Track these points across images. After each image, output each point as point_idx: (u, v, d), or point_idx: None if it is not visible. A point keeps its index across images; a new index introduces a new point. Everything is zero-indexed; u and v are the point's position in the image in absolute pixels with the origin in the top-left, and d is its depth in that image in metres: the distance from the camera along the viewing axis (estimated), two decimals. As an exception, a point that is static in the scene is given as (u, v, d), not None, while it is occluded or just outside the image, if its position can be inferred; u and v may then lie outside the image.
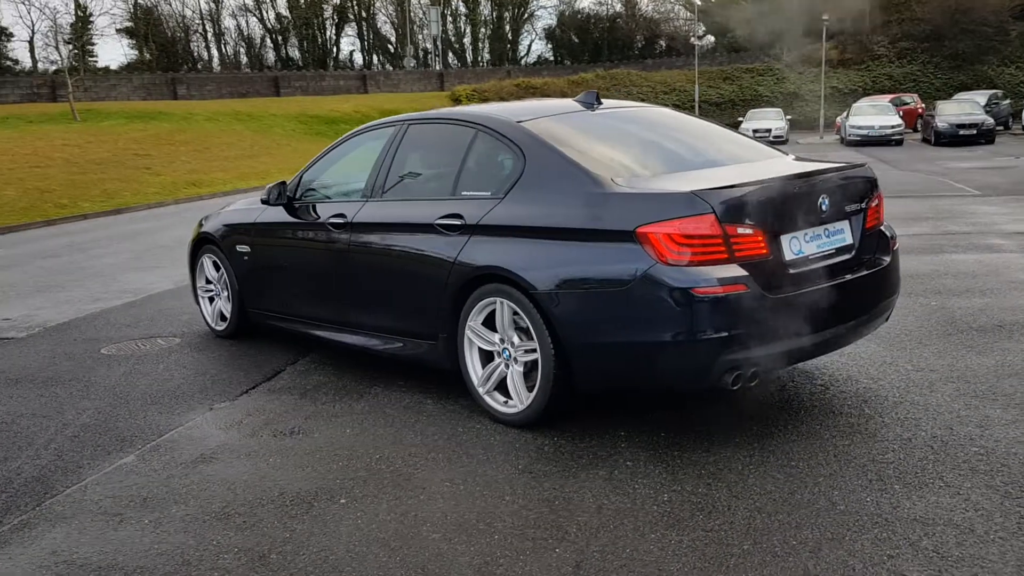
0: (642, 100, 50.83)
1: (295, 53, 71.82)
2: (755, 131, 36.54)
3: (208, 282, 6.59)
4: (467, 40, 78.24)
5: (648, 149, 4.57)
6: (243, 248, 6.05)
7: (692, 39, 54.64)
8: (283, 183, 5.73)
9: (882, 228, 4.42)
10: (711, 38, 70.47)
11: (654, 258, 3.67)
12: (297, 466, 3.97)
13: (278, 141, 33.28)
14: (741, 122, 38.99)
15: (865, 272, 4.19)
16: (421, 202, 4.77)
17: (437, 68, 58.58)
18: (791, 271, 3.88)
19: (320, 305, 5.43)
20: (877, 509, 3.22)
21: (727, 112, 49.03)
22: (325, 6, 70.56)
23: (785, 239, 3.89)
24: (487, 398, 4.39)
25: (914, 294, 6.53)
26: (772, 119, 38.06)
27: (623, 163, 4.27)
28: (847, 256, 4.16)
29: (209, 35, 70.13)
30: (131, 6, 62.37)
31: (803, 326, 3.84)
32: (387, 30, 75.75)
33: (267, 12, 72.15)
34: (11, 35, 54.56)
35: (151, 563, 3.16)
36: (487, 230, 4.28)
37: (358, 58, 74.74)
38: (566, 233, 3.98)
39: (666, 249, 3.65)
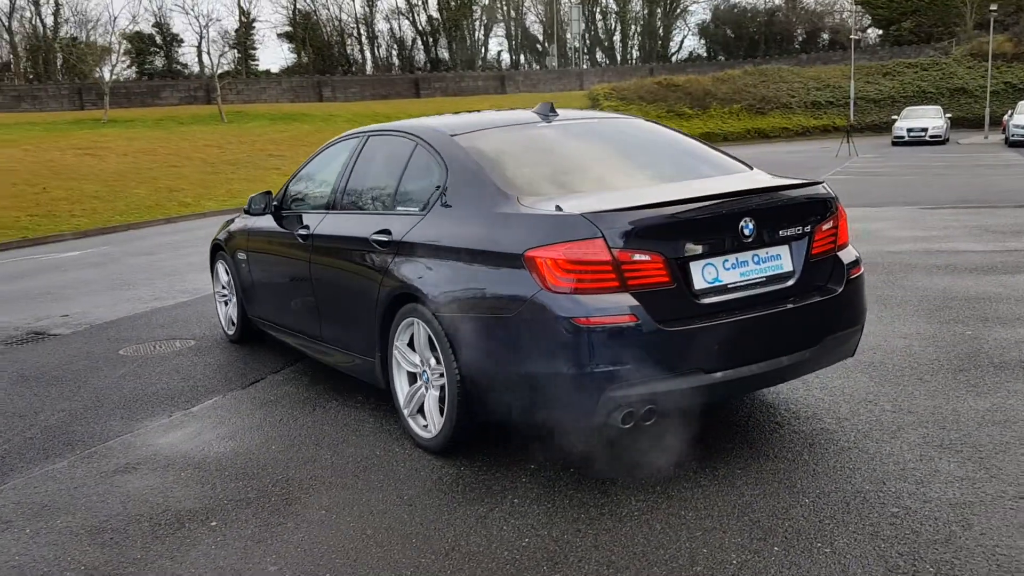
0: (792, 96, 49.06)
1: (444, 54, 73.37)
2: (909, 131, 34.49)
3: (223, 287, 6.75)
4: (617, 37, 77.70)
5: (582, 165, 4.30)
6: (242, 255, 6.16)
7: (854, 32, 51.88)
8: (268, 192, 5.78)
9: (839, 254, 3.98)
10: (877, 31, 67.07)
11: (539, 284, 3.43)
12: (199, 482, 3.97)
13: (411, 141, 33.98)
14: (895, 120, 36.83)
15: (807, 303, 3.77)
16: (365, 216, 4.69)
17: (578, 67, 58.29)
18: (702, 301, 3.54)
19: (292, 314, 5.45)
20: (736, 573, 2.88)
21: (885, 109, 46.51)
22: (475, 7, 71.75)
23: (696, 266, 3.55)
24: (410, 421, 4.26)
25: (954, 321, 5.89)
26: (930, 117, 35.72)
27: (544, 180, 4.03)
28: (784, 285, 3.76)
29: (363, 38, 72.72)
30: (291, 12, 65.57)
31: (715, 361, 3.50)
32: (536, 29, 76.29)
33: (419, 15, 74.00)
34: (181, 41, 58.44)
35: (-2, 575, 3.22)
36: (410, 248, 4.14)
37: (505, 58, 75.70)
38: (469, 254, 3.79)
39: (551, 275, 3.41)
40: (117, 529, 3.53)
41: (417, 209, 4.24)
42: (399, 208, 4.41)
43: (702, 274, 3.56)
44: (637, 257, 3.41)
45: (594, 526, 3.28)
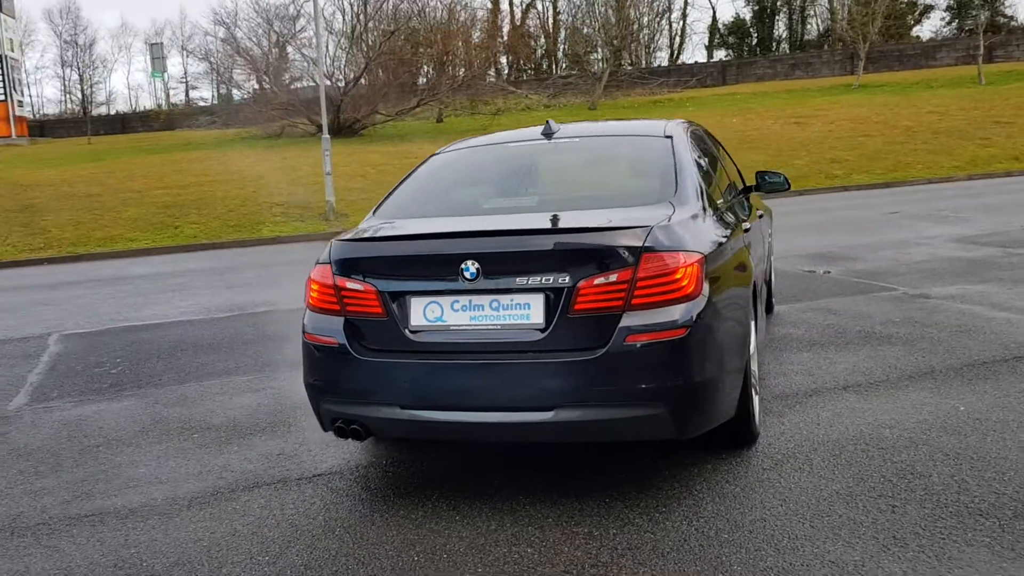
0: None
1: None
2: None
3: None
4: None
5: (471, 190, 4.28)
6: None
7: None
8: None
9: (628, 314, 3.22)
10: None
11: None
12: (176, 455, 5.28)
13: None
14: None
15: (540, 362, 3.26)
16: None
17: None
18: (416, 338, 3.45)
19: None
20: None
21: None
22: None
23: (418, 302, 3.46)
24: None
25: None
26: None
27: (417, 202, 4.19)
28: (527, 339, 3.30)
29: None
30: None
31: (410, 399, 3.45)
32: None
33: None
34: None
35: None
36: None
37: None
38: None
39: (308, 291, 3.80)
40: (145, 430, 5.03)
41: None
42: None
43: (423, 311, 3.46)
44: (351, 285, 3.56)
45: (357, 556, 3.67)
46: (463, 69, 36.95)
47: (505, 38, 53.00)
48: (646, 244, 3.28)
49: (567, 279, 3.27)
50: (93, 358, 6.90)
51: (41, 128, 46.79)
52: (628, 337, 3.22)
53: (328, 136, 15.44)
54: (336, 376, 3.60)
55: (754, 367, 4.17)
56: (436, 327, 3.45)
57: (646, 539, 3.20)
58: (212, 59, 44.88)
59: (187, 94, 67.49)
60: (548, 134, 4.51)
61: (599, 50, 40.02)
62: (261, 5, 39.07)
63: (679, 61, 58.11)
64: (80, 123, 46.28)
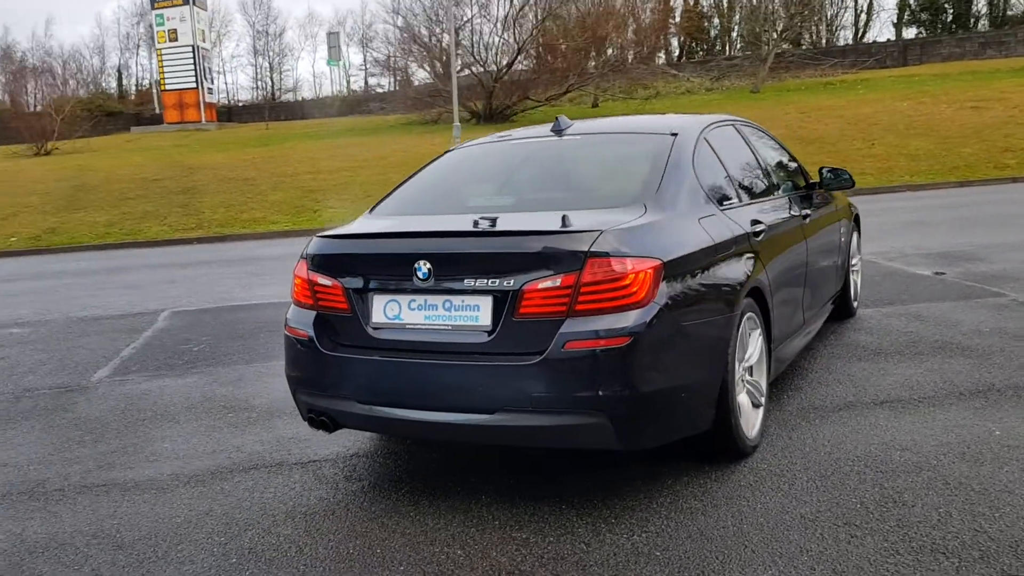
0: None
1: None
2: None
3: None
4: None
5: (459, 187, 4.32)
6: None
7: None
8: None
9: (572, 319, 3.13)
10: None
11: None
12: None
13: None
14: None
15: (483, 364, 3.23)
16: None
17: None
18: (378, 335, 3.50)
19: None
20: None
21: None
22: None
23: (379, 300, 3.50)
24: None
25: None
26: None
27: (410, 199, 4.23)
28: (475, 340, 3.28)
29: None
30: None
31: (366, 394, 3.51)
32: None
33: None
34: None
35: None
36: None
37: None
38: None
39: (293, 285, 3.92)
40: (192, 406, 5.37)
41: None
42: None
43: (384, 309, 3.50)
44: (321, 281, 3.65)
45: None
46: (631, 51, 36.50)
47: (678, 19, 51.88)
48: (592, 249, 3.17)
49: (513, 282, 3.22)
50: (185, 335, 7.39)
51: (229, 113, 50.19)
52: (568, 343, 3.13)
53: (459, 124, 15.79)
54: (307, 368, 3.70)
55: (756, 377, 3.95)
56: (394, 324, 3.48)
57: (578, 550, 3.12)
58: (373, 46, 46.41)
59: (366, 81, 70.34)
60: (558, 131, 4.44)
61: (773, 28, 38.35)
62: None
63: (863, 39, 55.08)
64: (263, 109, 49.23)
